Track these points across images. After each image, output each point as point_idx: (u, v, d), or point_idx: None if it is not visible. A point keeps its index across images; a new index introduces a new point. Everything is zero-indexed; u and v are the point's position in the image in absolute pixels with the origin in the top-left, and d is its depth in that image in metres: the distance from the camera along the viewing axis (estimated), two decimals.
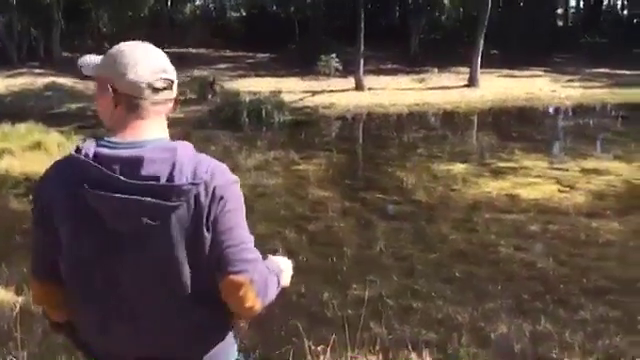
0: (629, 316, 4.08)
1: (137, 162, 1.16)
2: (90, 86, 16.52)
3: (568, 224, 6.09)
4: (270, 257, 1.44)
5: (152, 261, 1.19)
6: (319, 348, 3.11)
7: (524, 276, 4.87)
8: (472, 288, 4.65)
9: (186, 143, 1.24)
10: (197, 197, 1.18)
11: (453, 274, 4.90)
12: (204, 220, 1.19)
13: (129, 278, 1.21)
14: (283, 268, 1.45)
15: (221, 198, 1.21)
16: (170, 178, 1.16)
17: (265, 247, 4.54)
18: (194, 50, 23.93)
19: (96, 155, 1.17)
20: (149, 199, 1.14)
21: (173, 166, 1.17)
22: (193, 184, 1.17)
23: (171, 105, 1.32)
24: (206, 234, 1.19)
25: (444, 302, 4.39)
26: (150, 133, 1.25)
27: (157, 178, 1.15)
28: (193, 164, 1.20)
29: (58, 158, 1.27)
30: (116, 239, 1.18)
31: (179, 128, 12.29)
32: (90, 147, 1.19)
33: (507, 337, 3.85)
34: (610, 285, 4.62)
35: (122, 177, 1.15)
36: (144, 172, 1.15)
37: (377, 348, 3.57)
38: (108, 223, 1.17)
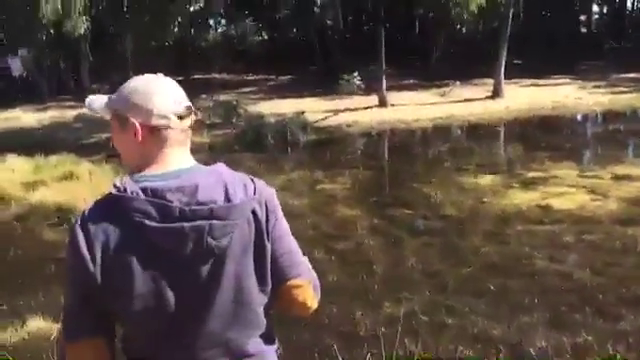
0: None
1: (193, 189, 1.20)
2: None
3: (603, 233, 5.94)
4: None
5: (226, 281, 1.23)
6: None
7: (560, 288, 4.75)
8: (507, 302, 4.56)
9: (221, 164, 1.30)
10: (254, 212, 1.25)
11: (487, 288, 4.81)
12: (264, 232, 1.27)
13: (206, 304, 1.24)
14: None
15: (273, 209, 1.30)
16: (227, 198, 1.21)
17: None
18: (218, 75, 24.35)
19: (144, 190, 1.18)
20: (215, 221, 1.19)
21: (226, 187, 1.23)
22: (251, 200, 1.25)
23: (191, 131, 1.34)
24: (268, 245, 1.27)
25: (479, 317, 4.30)
26: (183, 161, 1.28)
27: (215, 201, 1.20)
28: (240, 182, 1.27)
29: (97, 197, 1.23)
30: (187, 267, 1.21)
31: (206, 153, 12.46)
32: (132, 184, 1.20)
33: (546, 351, 3.75)
34: None
35: (183, 206, 1.17)
36: (201, 198, 1.19)
37: None
38: (174, 253, 1.19)
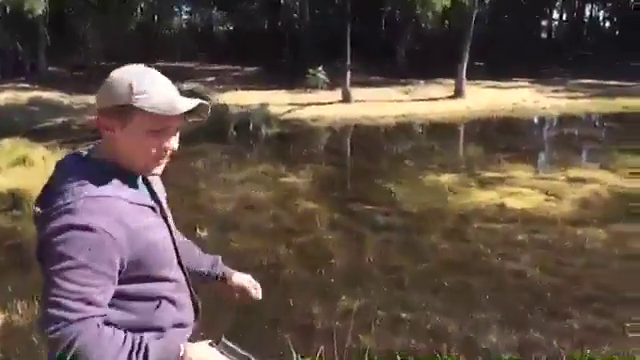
0: (616, 324, 4.10)
1: None
2: (76, 100, 16.45)
3: (555, 233, 6.13)
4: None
5: None
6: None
7: (513, 285, 4.88)
8: (462, 298, 4.65)
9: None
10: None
11: (443, 284, 4.90)
12: None
13: None
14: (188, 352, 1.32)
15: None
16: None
17: (253, 261, 4.54)
18: (181, 64, 23.95)
19: None
20: None
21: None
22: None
23: None
24: None
25: (434, 313, 4.38)
26: None
27: None
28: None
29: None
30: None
31: None
32: None
33: (496, 347, 3.85)
34: (597, 293, 4.65)
35: None
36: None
37: (366, 359, 3.56)
38: None
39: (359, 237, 6.29)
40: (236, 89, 19.42)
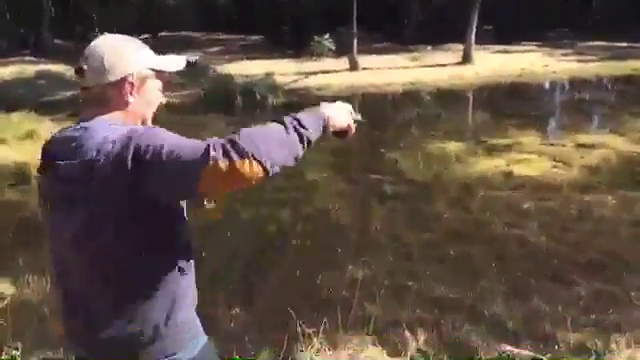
0: (622, 290, 4.11)
1: None
2: None
3: (562, 200, 6.10)
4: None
5: None
6: (311, 330, 3.13)
7: (518, 254, 4.88)
8: (466, 267, 4.67)
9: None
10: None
11: (448, 254, 4.91)
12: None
13: None
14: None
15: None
16: None
17: (260, 230, 4.58)
18: (185, 33, 23.77)
19: None
20: None
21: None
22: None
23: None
24: None
25: (439, 282, 4.40)
26: None
27: None
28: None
29: None
30: None
31: (173, 113, 12.25)
32: None
33: (500, 315, 3.87)
34: (603, 260, 4.64)
35: None
36: None
37: (371, 328, 3.61)
38: None
39: (365, 206, 6.31)
40: (241, 59, 19.29)
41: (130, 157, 1.23)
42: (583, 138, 8.66)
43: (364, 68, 16.95)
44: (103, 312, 1.33)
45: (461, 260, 4.79)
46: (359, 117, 1.57)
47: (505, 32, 21.22)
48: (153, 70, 1.44)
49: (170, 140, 1.25)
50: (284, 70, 16.48)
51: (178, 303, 1.40)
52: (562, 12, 25.56)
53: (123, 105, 1.40)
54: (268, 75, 14.63)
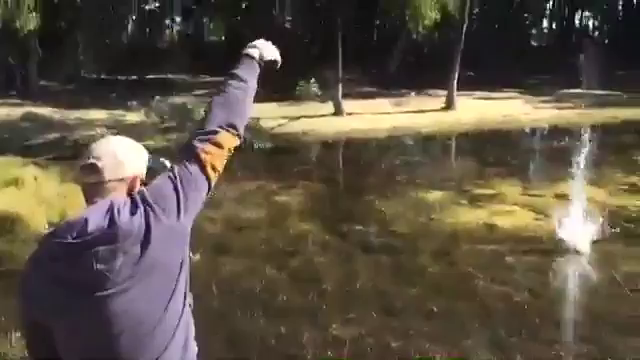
0: (602, 352, 4.17)
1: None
2: (69, 116, 16.45)
3: (543, 254, 6.21)
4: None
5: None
6: None
7: (501, 310, 4.94)
8: (450, 324, 4.71)
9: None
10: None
11: (432, 309, 4.96)
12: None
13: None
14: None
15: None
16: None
17: (244, 285, 4.57)
18: (173, 76, 23.99)
19: None
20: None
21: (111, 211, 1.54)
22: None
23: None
24: None
25: (422, 339, 4.43)
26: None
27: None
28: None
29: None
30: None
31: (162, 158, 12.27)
32: None
33: None
34: (584, 318, 4.72)
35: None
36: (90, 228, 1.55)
37: None
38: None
39: (350, 259, 6.34)
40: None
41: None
42: (562, 188, 8.85)
43: (349, 113, 17.22)
44: None
45: (445, 317, 4.83)
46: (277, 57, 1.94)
47: (486, 78, 21.77)
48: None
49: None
50: (270, 114, 16.66)
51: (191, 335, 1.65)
52: (542, 58, 26.37)
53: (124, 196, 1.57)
54: (253, 119, 14.79)
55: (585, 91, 21.05)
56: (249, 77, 1.79)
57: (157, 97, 18.11)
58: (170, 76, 23.72)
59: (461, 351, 4.29)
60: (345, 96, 17.78)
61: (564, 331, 4.50)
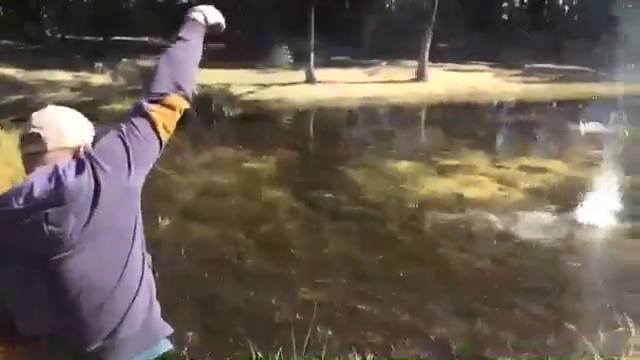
0: (559, 316, 4.36)
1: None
2: (33, 77, 15.96)
3: (507, 223, 6.39)
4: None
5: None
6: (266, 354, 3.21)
7: (465, 277, 5.11)
8: (416, 290, 4.85)
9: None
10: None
11: (399, 276, 5.09)
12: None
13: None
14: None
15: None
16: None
17: (215, 251, 4.61)
18: (141, 38, 23.39)
19: None
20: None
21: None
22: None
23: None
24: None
25: (389, 304, 4.56)
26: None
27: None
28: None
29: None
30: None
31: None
32: None
33: (446, 338, 4.06)
34: (543, 285, 4.91)
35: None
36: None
37: (324, 352, 3.71)
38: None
39: (320, 226, 6.42)
40: (199, 67, 19.15)
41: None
42: (528, 161, 9.08)
43: (320, 81, 17.14)
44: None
45: (411, 282, 4.97)
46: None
47: (457, 50, 21.87)
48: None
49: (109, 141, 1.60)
50: (242, 80, 16.50)
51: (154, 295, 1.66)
52: (512, 32, 26.56)
53: None
54: (225, 85, 14.64)
55: (553, 66, 21.41)
56: (192, 37, 1.79)
57: (124, 59, 17.70)
58: (137, 38, 23.14)
59: (426, 315, 4.43)
60: (317, 65, 17.67)
61: (524, 297, 4.67)
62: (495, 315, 4.42)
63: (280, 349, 3.43)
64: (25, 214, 1.37)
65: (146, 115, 1.59)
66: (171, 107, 1.65)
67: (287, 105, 14.87)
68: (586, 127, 12.07)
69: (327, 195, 7.50)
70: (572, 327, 4.13)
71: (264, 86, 16.40)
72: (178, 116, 1.68)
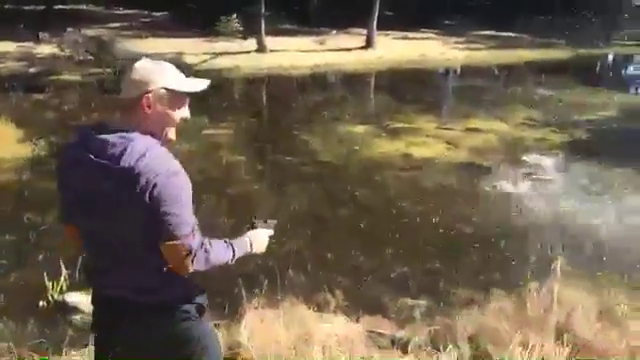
0: (502, 256, 5.00)
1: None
2: None
3: (454, 179, 7.02)
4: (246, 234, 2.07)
5: None
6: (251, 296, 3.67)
7: (419, 226, 5.68)
8: (376, 238, 5.39)
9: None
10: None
11: (359, 227, 5.62)
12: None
13: None
14: (251, 239, 2.05)
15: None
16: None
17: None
18: (85, 7, 22.78)
19: None
20: None
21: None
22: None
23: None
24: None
25: (353, 251, 5.08)
26: None
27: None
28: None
29: None
30: None
31: (79, 92, 12.04)
32: None
33: (404, 277, 4.63)
34: (486, 232, 5.55)
35: None
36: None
37: (299, 292, 4.20)
38: None
39: (282, 186, 6.86)
40: (146, 36, 18.94)
41: (147, 193, 1.68)
42: (472, 123, 9.76)
43: (272, 50, 17.34)
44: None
45: (371, 232, 5.51)
46: (274, 221, 2.20)
47: (404, 19, 22.39)
48: (167, 90, 1.81)
49: (177, 199, 1.72)
50: (192, 50, 16.49)
51: None
52: (455, 2, 27.26)
53: (142, 115, 1.82)
54: (177, 55, 14.66)
55: (495, 33, 22.29)
56: (228, 255, 1.93)
57: (69, 29, 17.31)
58: (82, 7, 22.52)
59: (383, 260, 4.97)
60: (268, 33, 17.82)
61: (465, 241, 5.30)
62: (444, 255, 5.01)
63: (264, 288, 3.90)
64: None
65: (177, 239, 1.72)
66: (169, 252, 1.74)
67: (240, 74, 15.06)
68: (525, 90, 12.91)
69: (287, 158, 7.92)
70: (513, 263, 4.78)
71: (216, 55, 16.47)
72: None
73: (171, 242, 1.71)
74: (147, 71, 1.80)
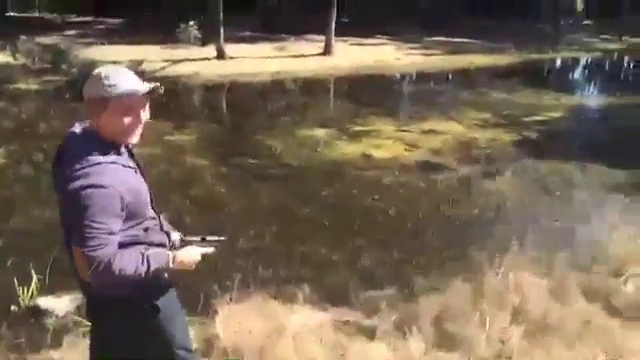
0: (456, 246, 5.28)
1: None
2: None
3: (412, 177, 7.32)
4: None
5: None
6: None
7: (381, 220, 5.93)
8: (341, 233, 5.59)
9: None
10: None
11: (324, 223, 5.82)
12: None
13: None
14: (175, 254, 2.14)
15: None
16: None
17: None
18: (37, 15, 22.35)
19: None
20: None
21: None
22: None
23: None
24: None
25: (319, 246, 5.27)
26: None
27: None
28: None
29: None
30: None
31: (37, 101, 11.88)
32: None
33: (370, 265, 4.85)
34: (441, 221, 5.84)
35: None
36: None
37: (269, 286, 4.37)
38: None
39: (247, 187, 7.00)
40: (102, 43, 18.76)
41: (70, 200, 1.84)
42: (428, 125, 10.13)
43: (231, 57, 17.44)
44: None
45: (336, 228, 5.71)
46: (219, 238, 2.29)
47: (360, 25, 22.86)
48: (126, 95, 1.91)
49: (91, 210, 1.81)
50: (150, 57, 16.45)
51: None
52: (408, 7, 27.95)
53: (102, 121, 1.94)
54: (136, 62, 14.60)
55: (447, 39, 23.00)
56: (144, 269, 1.95)
57: (23, 36, 17.00)
58: (34, 14, 22.09)
59: (351, 250, 5.17)
60: (226, 40, 17.91)
61: (425, 231, 5.57)
62: (406, 245, 5.27)
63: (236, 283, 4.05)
64: None
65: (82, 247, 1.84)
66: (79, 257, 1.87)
67: (200, 81, 15.11)
68: (477, 93, 13.43)
69: (251, 161, 8.07)
70: (470, 248, 5.07)
71: (175, 62, 16.47)
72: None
73: (77, 248, 1.85)
74: (104, 77, 1.90)
